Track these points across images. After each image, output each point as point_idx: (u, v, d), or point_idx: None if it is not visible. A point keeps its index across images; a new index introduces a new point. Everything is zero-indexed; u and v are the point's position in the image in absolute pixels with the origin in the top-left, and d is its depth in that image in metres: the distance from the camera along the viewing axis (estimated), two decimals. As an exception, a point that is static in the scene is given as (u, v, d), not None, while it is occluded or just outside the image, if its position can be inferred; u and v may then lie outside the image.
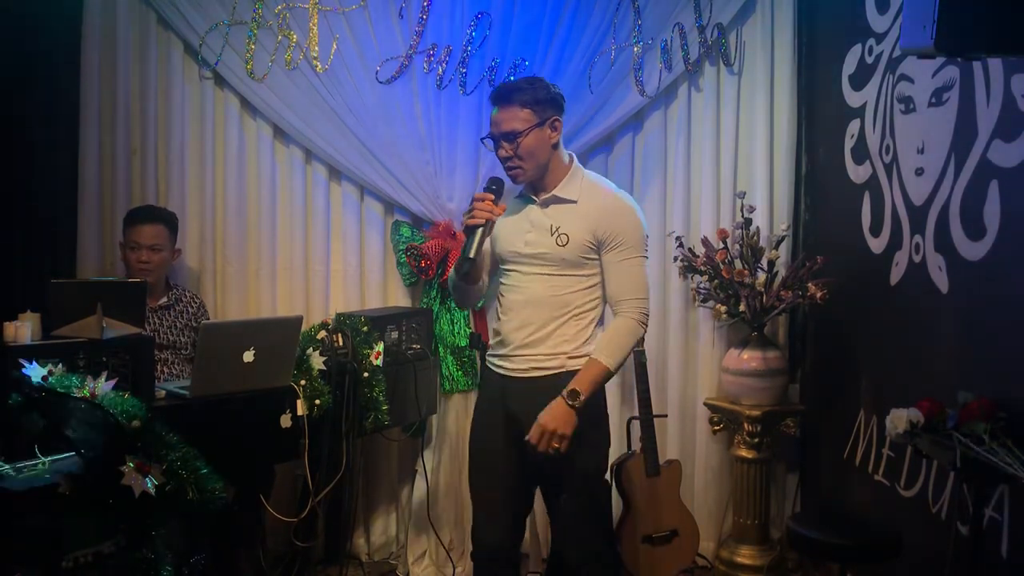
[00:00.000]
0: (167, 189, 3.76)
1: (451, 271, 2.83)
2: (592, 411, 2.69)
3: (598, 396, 2.74)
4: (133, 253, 3.41)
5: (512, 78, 3.67)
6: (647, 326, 2.72)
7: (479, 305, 3.67)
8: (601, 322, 2.78)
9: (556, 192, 2.71)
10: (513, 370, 2.76)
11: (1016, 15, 1.82)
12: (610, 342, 2.67)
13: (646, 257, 2.72)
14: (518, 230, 2.74)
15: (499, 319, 2.82)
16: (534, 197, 2.74)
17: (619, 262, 2.67)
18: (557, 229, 2.67)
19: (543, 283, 2.70)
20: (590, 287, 2.71)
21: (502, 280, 2.82)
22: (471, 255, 2.60)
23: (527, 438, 2.63)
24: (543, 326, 2.70)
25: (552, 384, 2.67)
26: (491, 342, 2.89)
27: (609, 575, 2.92)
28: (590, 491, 2.78)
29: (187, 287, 3.65)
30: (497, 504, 2.83)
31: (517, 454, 2.77)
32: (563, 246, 2.66)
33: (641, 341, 2.77)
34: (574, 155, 2.80)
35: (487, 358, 2.89)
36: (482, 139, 2.74)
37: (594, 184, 2.75)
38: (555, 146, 2.70)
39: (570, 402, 2.59)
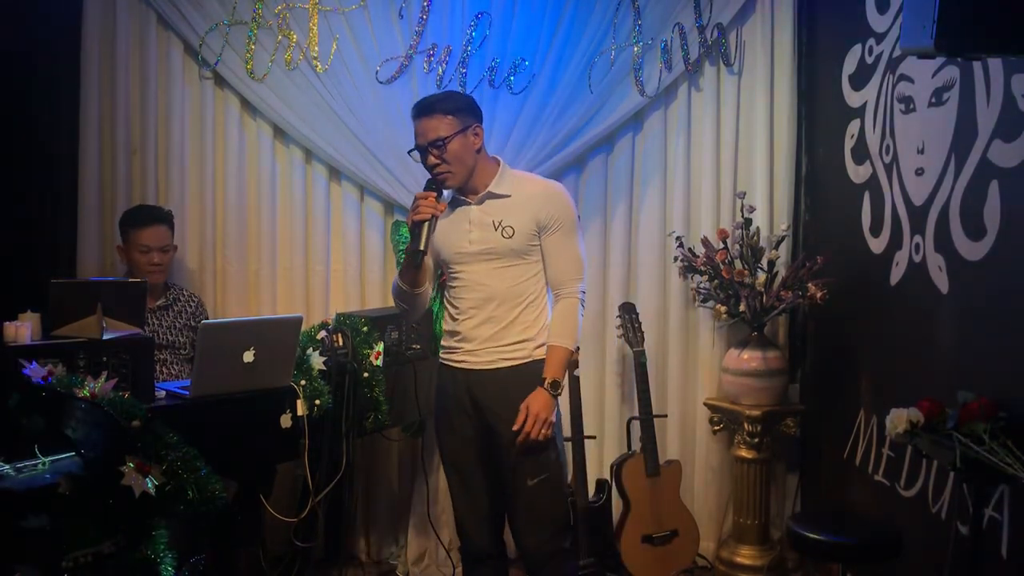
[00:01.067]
0: (167, 189, 3.76)
1: (395, 279, 2.88)
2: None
3: None
4: (143, 256, 3.39)
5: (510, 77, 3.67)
6: (584, 301, 2.87)
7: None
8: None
9: (491, 189, 2.82)
10: (478, 363, 2.81)
11: (1016, 15, 1.82)
12: (563, 324, 2.80)
13: (580, 234, 2.87)
14: (459, 231, 2.83)
15: (454, 320, 2.87)
16: (467, 199, 2.83)
17: (560, 243, 2.80)
18: (500, 223, 2.77)
19: (497, 277, 2.79)
20: (538, 273, 2.83)
21: (452, 284, 2.88)
22: (421, 247, 2.69)
23: (515, 428, 2.70)
24: (505, 317, 2.79)
25: (520, 373, 2.78)
26: (446, 342, 2.92)
27: (570, 569, 2.98)
28: (553, 471, 2.82)
29: (186, 287, 3.65)
30: (479, 501, 2.89)
31: (489, 448, 2.84)
32: (509, 238, 2.77)
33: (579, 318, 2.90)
34: (500, 158, 2.90)
35: (442, 357, 2.95)
36: (409, 152, 2.84)
37: (523, 177, 2.90)
38: (479, 151, 2.81)
39: (553, 392, 2.74)
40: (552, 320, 2.83)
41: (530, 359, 2.80)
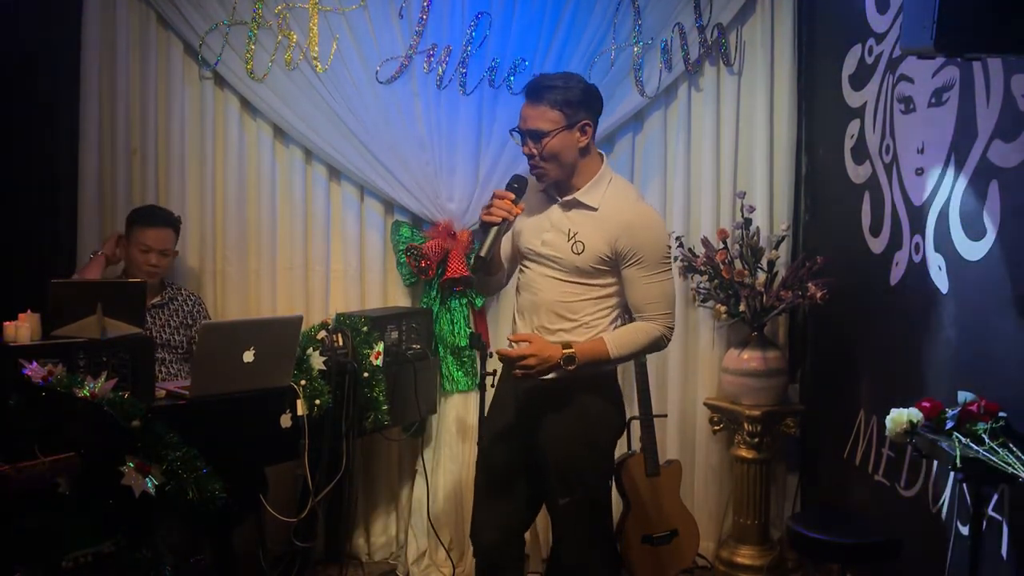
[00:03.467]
0: (167, 189, 3.76)
1: (472, 259, 2.79)
2: (589, 406, 2.68)
3: (614, 398, 2.74)
4: (143, 255, 3.40)
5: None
6: (669, 339, 2.65)
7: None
8: None
9: (578, 196, 2.62)
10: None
11: (1016, 15, 1.82)
12: (624, 334, 2.63)
13: (669, 270, 2.65)
14: (538, 227, 2.68)
15: (517, 310, 2.78)
16: (557, 196, 2.68)
17: (642, 279, 2.59)
18: (575, 235, 2.61)
19: (553, 287, 2.65)
20: (602, 297, 2.65)
21: (519, 276, 2.78)
22: (483, 254, 2.56)
23: (505, 350, 2.58)
24: (552, 333, 2.65)
25: (560, 389, 2.65)
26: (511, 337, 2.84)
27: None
28: (591, 493, 2.76)
29: (184, 285, 3.64)
30: (501, 507, 2.81)
31: (526, 458, 2.76)
32: (578, 254, 2.60)
33: (653, 350, 2.70)
34: (605, 156, 2.72)
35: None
36: (511, 131, 2.65)
37: (618, 192, 2.65)
38: (584, 149, 2.61)
39: (561, 363, 2.55)
40: (624, 326, 2.65)
41: (571, 378, 2.60)
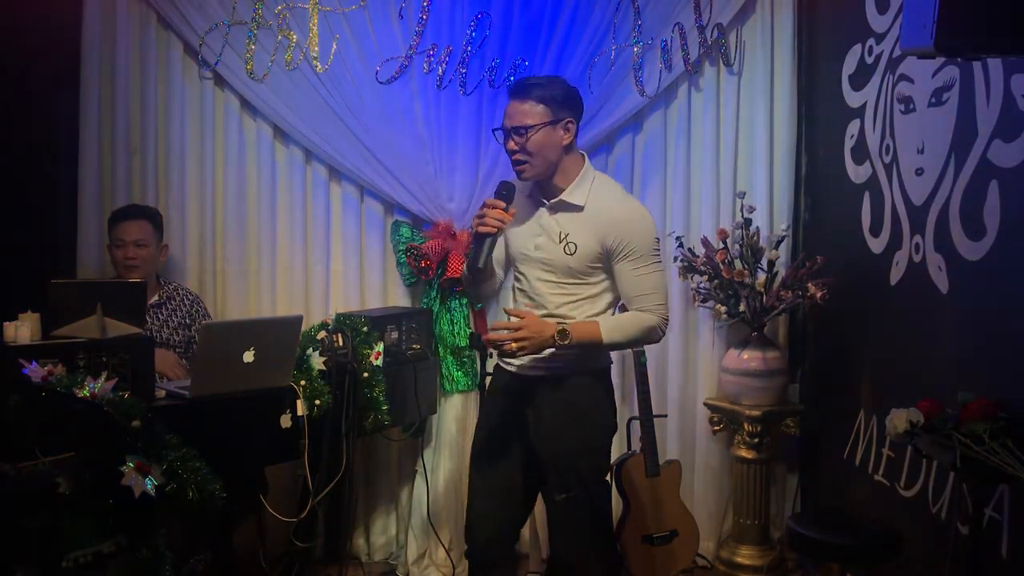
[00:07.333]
0: (167, 189, 3.76)
1: (463, 266, 2.82)
2: (587, 403, 2.71)
3: (607, 396, 2.76)
4: (119, 251, 3.39)
5: (522, 74, 3.64)
6: (664, 331, 2.67)
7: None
8: None
9: (564, 197, 2.66)
10: (521, 367, 2.75)
11: (1016, 15, 1.82)
12: (618, 320, 2.66)
13: (659, 261, 2.68)
14: (529, 232, 2.71)
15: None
16: (544, 200, 2.71)
17: (633, 272, 2.62)
18: (565, 237, 2.64)
19: (550, 289, 2.68)
20: (596, 295, 2.69)
21: (515, 279, 2.81)
22: (479, 265, 2.58)
23: (492, 334, 2.58)
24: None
25: (559, 385, 2.69)
26: None
27: (607, 575, 2.92)
28: (590, 491, 2.77)
29: (181, 284, 3.64)
30: (496, 503, 2.83)
31: (521, 454, 2.77)
32: (571, 255, 2.63)
33: (647, 340, 2.71)
34: (587, 156, 2.76)
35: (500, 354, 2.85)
36: (493, 130, 2.69)
37: (602, 189, 2.69)
38: (567, 148, 2.65)
39: (556, 337, 2.55)
40: (620, 314, 2.69)
41: (570, 372, 2.68)
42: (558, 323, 2.59)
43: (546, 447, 2.72)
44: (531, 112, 2.59)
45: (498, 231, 2.59)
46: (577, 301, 2.67)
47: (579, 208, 2.65)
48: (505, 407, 2.79)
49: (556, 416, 2.69)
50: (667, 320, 2.68)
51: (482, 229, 2.57)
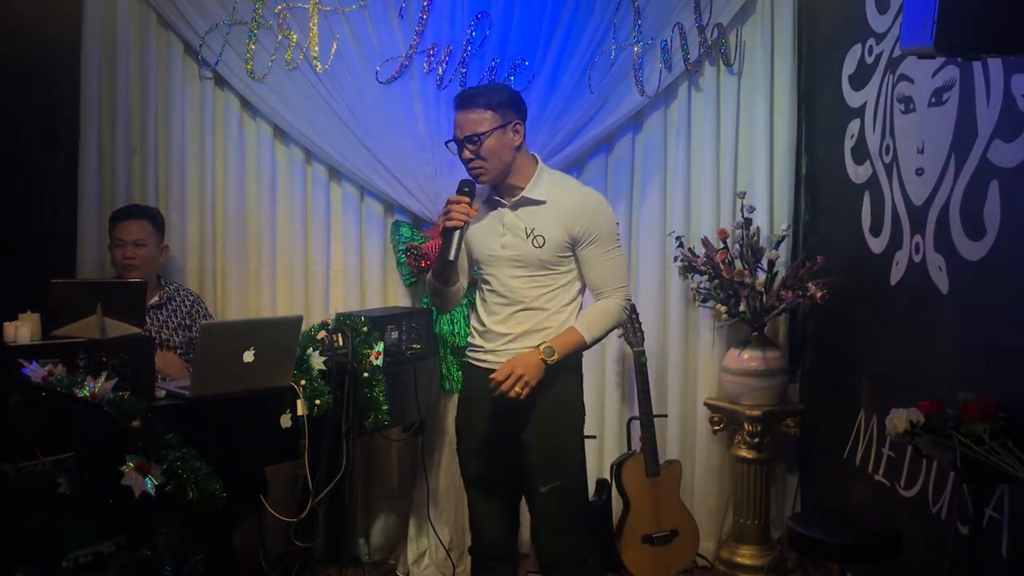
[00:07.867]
0: (167, 189, 3.76)
1: (429, 276, 2.88)
2: (566, 395, 2.79)
3: (574, 381, 2.84)
4: (118, 250, 3.39)
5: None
6: (628, 312, 2.82)
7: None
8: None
9: (525, 193, 2.75)
10: (498, 363, 2.75)
11: (1016, 15, 1.82)
12: (593, 317, 2.76)
13: (620, 245, 2.81)
14: (492, 233, 2.79)
15: (480, 319, 2.85)
16: (503, 199, 2.79)
17: (598, 256, 2.74)
18: (532, 231, 2.72)
19: (524, 284, 2.75)
20: (568, 283, 2.78)
21: (483, 283, 2.86)
22: (451, 257, 2.67)
23: (491, 376, 2.65)
24: (528, 321, 2.75)
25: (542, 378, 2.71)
26: (472, 340, 2.90)
27: (588, 571, 2.88)
28: (574, 479, 2.82)
29: (182, 284, 3.64)
30: (496, 498, 2.87)
31: (506, 447, 2.81)
32: (540, 247, 2.72)
33: (618, 324, 2.84)
34: (538, 157, 2.85)
35: (468, 354, 2.92)
36: (446, 143, 2.79)
37: (559, 182, 2.81)
38: (518, 148, 2.74)
39: (543, 357, 2.65)
40: (587, 309, 2.78)
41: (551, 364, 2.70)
42: (538, 347, 2.67)
43: (534, 440, 2.75)
44: (480, 120, 2.68)
45: (465, 224, 2.68)
46: (552, 291, 2.76)
47: (542, 202, 2.75)
48: (485, 404, 2.82)
49: (540, 407, 2.74)
50: (629, 299, 2.84)
51: (449, 224, 2.66)
